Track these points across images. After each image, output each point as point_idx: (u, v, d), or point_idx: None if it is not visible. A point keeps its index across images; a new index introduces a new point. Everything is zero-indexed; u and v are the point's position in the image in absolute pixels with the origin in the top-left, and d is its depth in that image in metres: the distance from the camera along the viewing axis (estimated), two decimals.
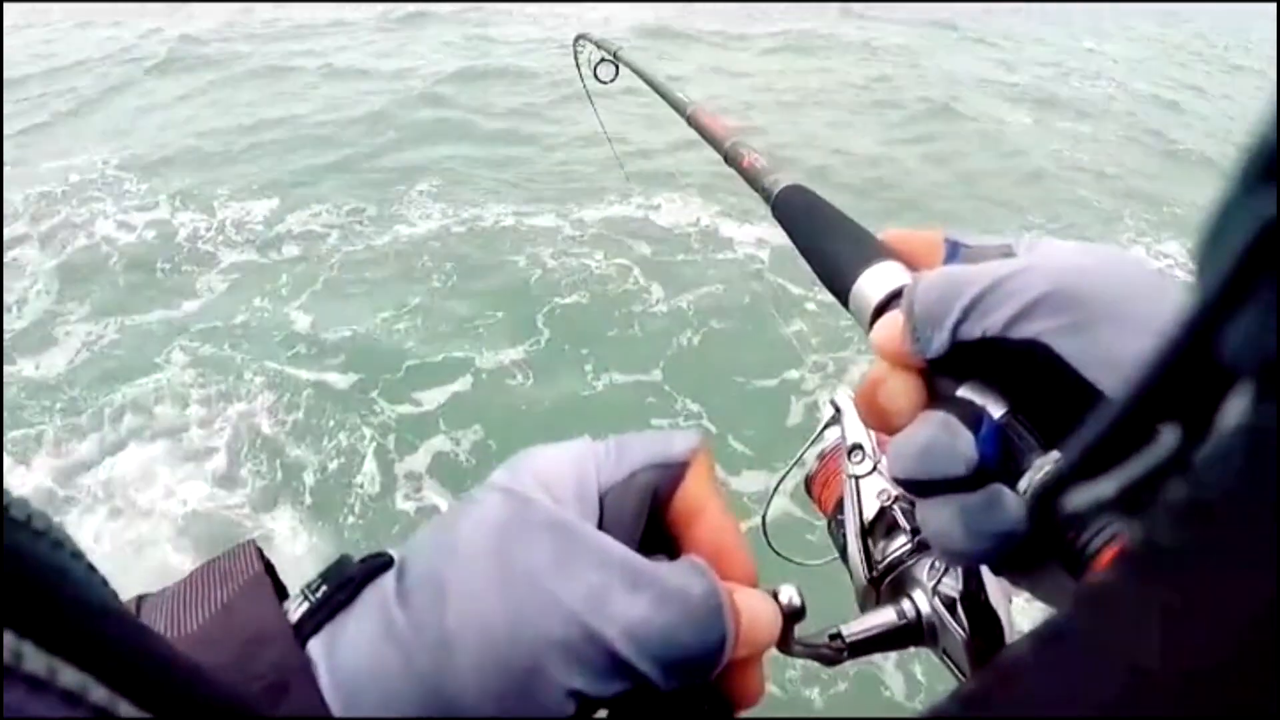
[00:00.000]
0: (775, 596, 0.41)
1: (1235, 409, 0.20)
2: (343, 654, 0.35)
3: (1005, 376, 0.40)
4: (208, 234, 6.68)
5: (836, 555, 0.58)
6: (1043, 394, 0.39)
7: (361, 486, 4.34)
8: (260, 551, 0.41)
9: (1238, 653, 0.16)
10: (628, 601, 0.34)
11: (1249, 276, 0.18)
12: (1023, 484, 0.38)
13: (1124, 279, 0.38)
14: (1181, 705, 0.16)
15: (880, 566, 0.54)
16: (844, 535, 0.57)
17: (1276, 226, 0.17)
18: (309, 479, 4.42)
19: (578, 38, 1.85)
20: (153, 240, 6.64)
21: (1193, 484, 0.19)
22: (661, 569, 0.36)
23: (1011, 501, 0.38)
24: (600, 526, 0.38)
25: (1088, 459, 0.26)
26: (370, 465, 4.49)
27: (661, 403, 4.81)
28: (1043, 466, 0.38)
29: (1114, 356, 0.36)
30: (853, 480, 0.57)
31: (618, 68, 1.58)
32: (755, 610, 0.38)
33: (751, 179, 0.67)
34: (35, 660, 0.19)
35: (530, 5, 14.82)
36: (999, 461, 0.39)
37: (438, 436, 4.65)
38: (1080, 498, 0.27)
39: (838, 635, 0.52)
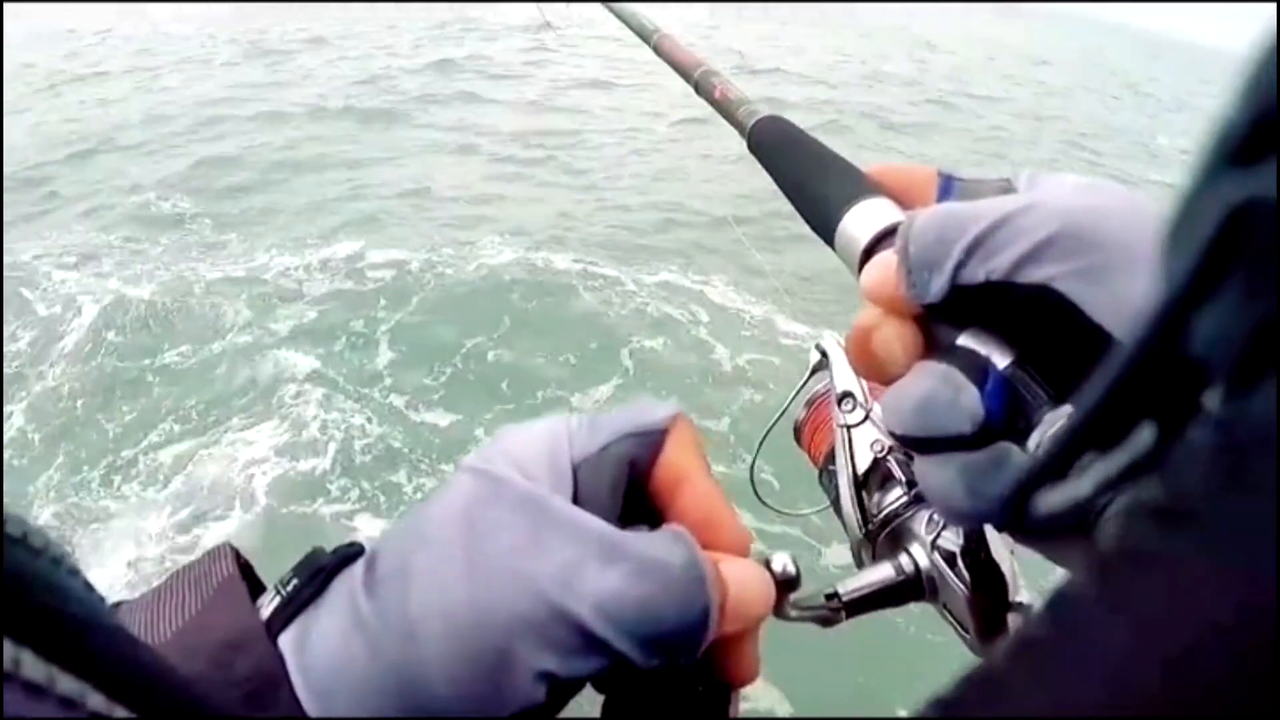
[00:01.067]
0: (768, 565, 0.39)
1: (1210, 404, 0.19)
2: (313, 648, 0.34)
3: (1010, 323, 0.37)
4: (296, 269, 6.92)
5: (828, 504, 0.55)
6: (1052, 342, 0.36)
7: None
8: (236, 553, 0.40)
9: (1216, 655, 0.16)
10: (601, 575, 0.33)
11: (1217, 266, 0.17)
12: (1032, 441, 0.35)
13: (1137, 218, 0.35)
14: (1162, 711, 0.16)
15: (876, 520, 0.51)
16: (836, 486, 0.54)
17: (1243, 210, 0.17)
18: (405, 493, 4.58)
19: None
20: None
21: (1166, 483, 0.19)
22: (640, 540, 0.34)
23: (1020, 460, 0.35)
24: (576, 500, 0.36)
25: (1060, 458, 0.25)
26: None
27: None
28: (1054, 422, 0.35)
29: (1130, 302, 0.33)
30: (844, 430, 0.53)
31: None
32: (744, 580, 0.36)
33: (724, 111, 0.63)
34: (34, 667, 0.19)
35: None
36: (1005, 417, 0.36)
37: None
38: (1054, 498, 0.27)
39: (834, 595, 0.49)
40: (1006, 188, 0.43)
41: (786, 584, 0.40)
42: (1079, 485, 0.26)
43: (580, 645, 0.32)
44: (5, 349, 5.63)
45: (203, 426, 5.08)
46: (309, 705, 0.33)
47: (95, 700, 0.21)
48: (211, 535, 4.31)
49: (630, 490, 0.38)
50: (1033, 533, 0.39)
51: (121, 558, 4.37)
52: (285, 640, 0.34)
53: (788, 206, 0.52)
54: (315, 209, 7.95)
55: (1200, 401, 0.19)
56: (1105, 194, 0.38)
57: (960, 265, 0.36)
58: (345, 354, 5.77)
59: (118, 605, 0.39)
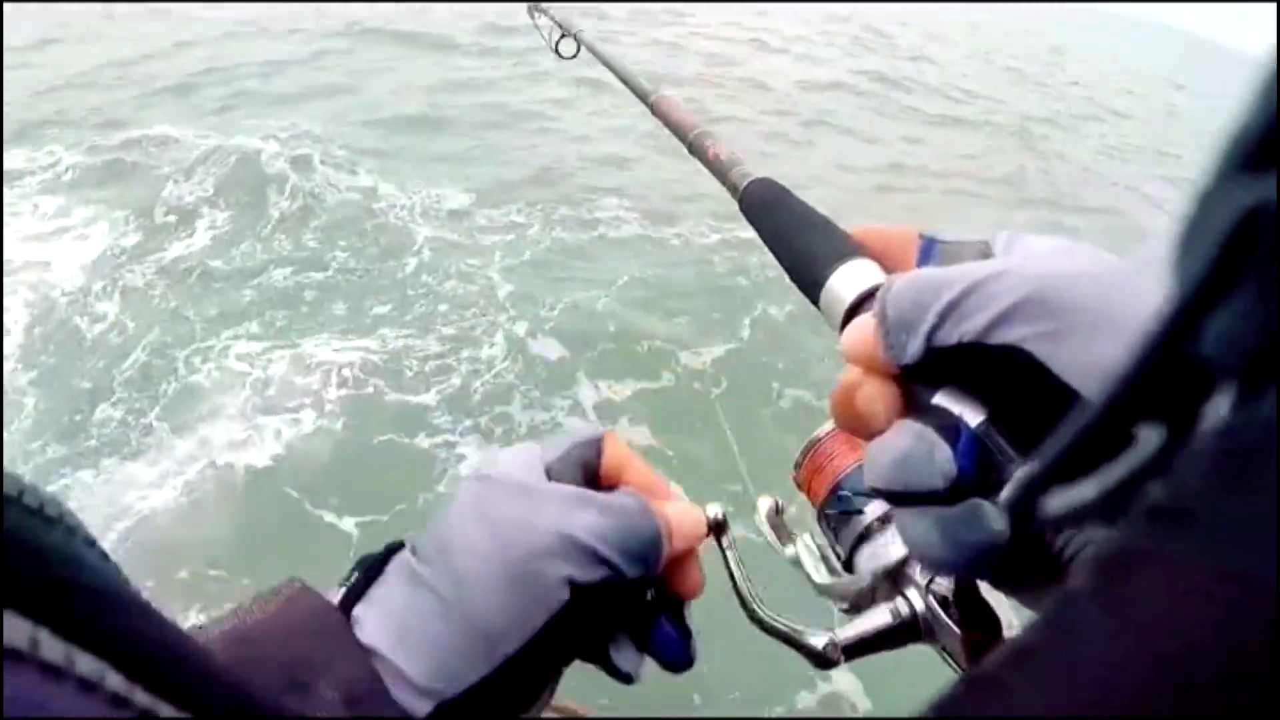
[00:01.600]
0: (705, 515, 0.54)
1: (1218, 408, 0.19)
2: (382, 606, 0.47)
3: (983, 383, 0.39)
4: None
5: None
6: (1022, 401, 0.38)
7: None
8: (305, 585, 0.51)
9: (1212, 656, 0.16)
10: (584, 514, 0.47)
11: (1229, 269, 0.17)
12: (1003, 495, 0.37)
13: (1105, 282, 0.37)
14: (1155, 711, 0.16)
15: (878, 564, 0.54)
16: (833, 529, 0.57)
17: (1255, 215, 0.16)
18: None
19: (531, 6, 1.76)
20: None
21: (1170, 486, 0.19)
22: (601, 495, 0.50)
23: (991, 514, 0.37)
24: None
25: (1066, 461, 0.25)
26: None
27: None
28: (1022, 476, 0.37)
29: (1097, 363, 0.35)
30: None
31: (579, 46, 1.54)
32: (680, 513, 0.51)
33: (717, 172, 0.66)
34: (52, 648, 0.19)
35: None
36: (977, 473, 0.38)
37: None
38: (1059, 501, 0.27)
39: (834, 640, 0.52)
40: (985, 250, 0.45)
41: (718, 526, 0.55)
42: (1084, 488, 0.26)
43: (583, 557, 0.46)
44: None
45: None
46: (386, 644, 0.45)
47: (115, 681, 0.21)
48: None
49: (586, 483, 0.52)
50: (1003, 580, 0.42)
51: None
52: (358, 610, 0.47)
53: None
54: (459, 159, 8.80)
55: (1205, 404, 0.19)
56: (1076, 258, 0.40)
57: (935, 328, 0.39)
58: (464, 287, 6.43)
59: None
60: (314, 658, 0.43)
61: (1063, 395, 0.36)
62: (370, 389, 5.45)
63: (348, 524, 4.68)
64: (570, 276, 6.71)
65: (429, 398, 5.38)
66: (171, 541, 4.65)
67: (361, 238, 7.24)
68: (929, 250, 0.47)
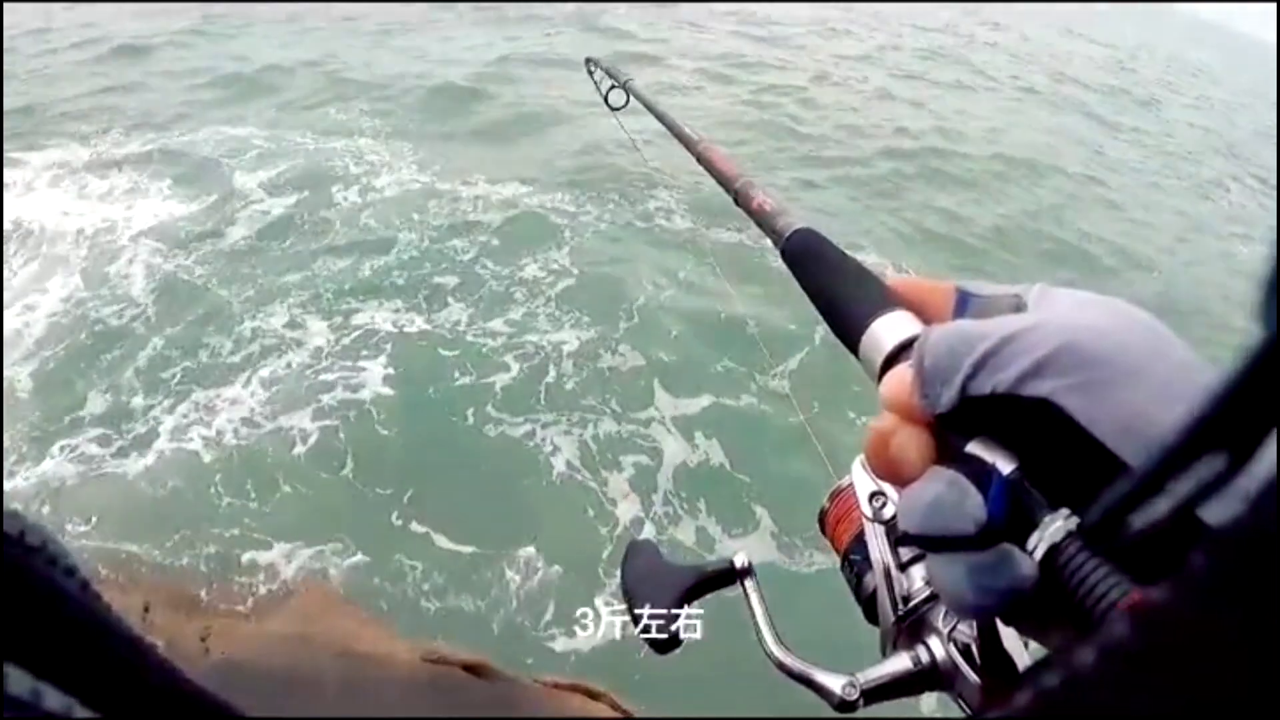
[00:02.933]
0: (731, 564, 0.59)
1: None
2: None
3: (1014, 433, 0.40)
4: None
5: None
6: (1052, 451, 0.39)
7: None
8: None
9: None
10: None
11: None
12: (1031, 541, 0.38)
13: (1134, 337, 0.39)
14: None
15: (900, 611, 0.54)
16: (855, 574, 0.58)
17: None
18: None
19: (588, 60, 1.85)
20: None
21: (1255, 513, 0.20)
22: None
23: (1020, 560, 0.38)
24: None
25: (1150, 482, 0.27)
26: None
27: None
28: (1051, 524, 0.38)
29: (1124, 416, 0.37)
30: (876, 526, 0.57)
31: (628, 97, 1.59)
32: None
33: (761, 221, 0.68)
34: (20, 683, 0.19)
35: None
36: (1007, 519, 0.39)
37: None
38: (1141, 519, 0.29)
39: (853, 683, 0.52)
40: (1018, 304, 0.46)
41: (744, 572, 0.58)
42: (1157, 506, 0.28)
43: None
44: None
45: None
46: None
47: (81, 715, 0.21)
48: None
49: None
50: (1029, 625, 0.42)
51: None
52: None
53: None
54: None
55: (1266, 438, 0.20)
56: (1107, 311, 0.41)
57: (969, 378, 0.40)
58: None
59: None
60: None
61: (1090, 447, 0.37)
62: (436, 369, 5.98)
63: (403, 498, 5.10)
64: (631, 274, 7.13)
65: (501, 379, 5.87)
66: (220, 507, 5.09)
67: (423, 226, 7.96)
68: (964, 303, 0.49)
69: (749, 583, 0.58)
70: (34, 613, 0.22)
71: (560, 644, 4.42)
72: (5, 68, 12.23)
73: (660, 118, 1.05)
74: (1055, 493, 0.39)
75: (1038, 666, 0.23)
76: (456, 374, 6.12)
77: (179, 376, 6.19)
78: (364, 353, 6.30)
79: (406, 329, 6.57)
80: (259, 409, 5.85)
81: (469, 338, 6.48)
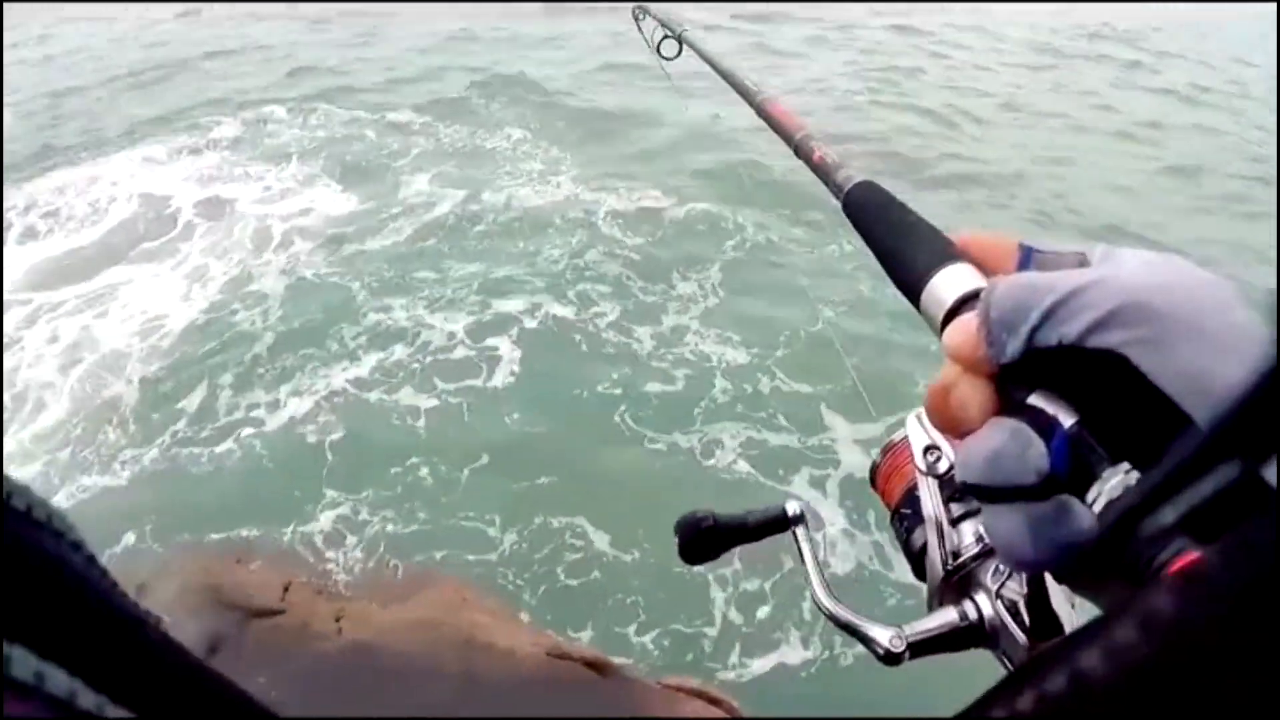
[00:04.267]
0: (784, 510, 0.61)
1: None
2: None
3: (1076, 386, 0.40)
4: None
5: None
6: (1114, 405, 0.39)
7: None
8: None
9: None
10: None
11: None
12: (1091, 494, 0.38)
13: (1199, 294, 0.38)
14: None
15: (949, 566, 0.55)
16: (905, 529, 0.58)
17: None
18: None
19: (636, 7, 1.78)
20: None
21: None
22: None
23: (1080, 512, 0.38)
24: None
25: (1163, 490, 0.27)
26: None
27: None
28: (1111, 478, 0.38)
29: (1189, 371, 0.36)
30: (929, 480, 0.57)
31: (681, 45, 1.55)
32: None
33: (822, 174, 0.67)
34: (23, 666, 0.19)
35: None
36: (1069, 472, 0.39)
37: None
38: (1149, 525, 0.30)
39: (900, 635, 0.53)
40: (1082, 261, 0.45)
41: (797, 519, 0.59)
42: (1165, 513, 0.29)
43: None
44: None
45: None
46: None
47: (87, 699, 0.21)
48: None
49: None
50: (1084, 582, 0.42)
51: None
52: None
53: None
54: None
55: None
56: (1173, 270, 0.41)
57: (1036, 329, 0.40)
58: None
59: None
60: None
61: (1154, 401, 0.37)
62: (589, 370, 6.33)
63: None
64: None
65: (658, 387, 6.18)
66: (365, 496, 5.38)
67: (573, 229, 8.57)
68: (1027, 258, 0.48)
69: (800, 531, 0.58)
70: (39, 589, 0.22)
71: (693, 648, 4.48)
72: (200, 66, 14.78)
73: (717, 68, 1.03)
74: (1115, 447, 0.39)
75: (1078, 635, 0.23)
76: (612, 376, 6.32)
77: (330, 366, 6.59)
78: (511, 350, 6.63)
79: (555, 329, 6.87)
80: (409, 401, 6.13)
81: (625, 341, 6.74)
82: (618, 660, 4.02)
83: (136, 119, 12.64)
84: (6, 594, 0.21)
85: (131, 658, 0.25)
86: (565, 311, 7.17)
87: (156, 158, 11.20)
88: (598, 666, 3.82)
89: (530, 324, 6.98)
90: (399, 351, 6.71)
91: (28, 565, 0.22)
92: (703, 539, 0.61)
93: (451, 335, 6.88)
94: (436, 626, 4.07)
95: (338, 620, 4.18)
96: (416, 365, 6.54)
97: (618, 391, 6.20)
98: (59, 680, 0.20)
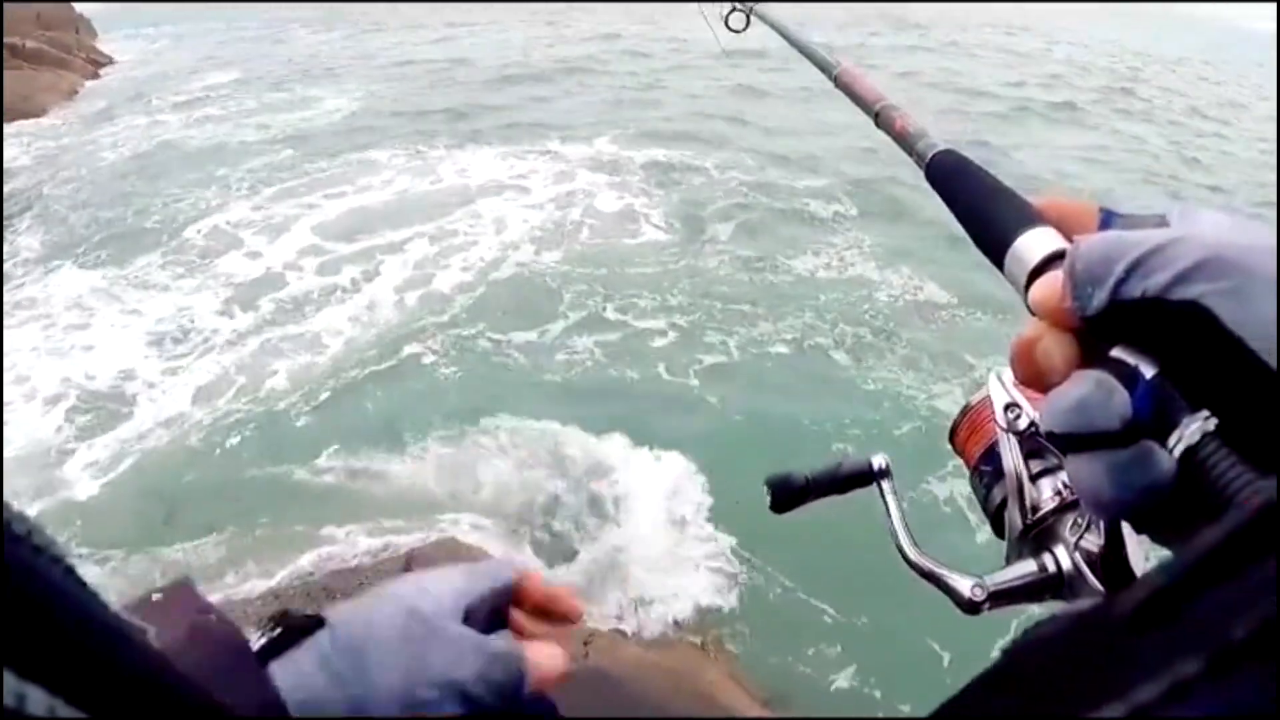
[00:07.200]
0: (869, 463, 0.64)
1: None
2: (294, 676, 0.54)
3: (1158, 339, 0.42)
4: None
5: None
6: (1194, 356, 0.40)
7: None
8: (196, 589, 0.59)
9: None
10: (473, 663, 0.58)
11: None
12: (1172, 440, 0.39)
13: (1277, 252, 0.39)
14: None
15: (1028, 521, 0.57)
16: (985, 486, 0.60)
17: None
18: None
19: None
20: None
21: None
22: (491, 642, 0.60)
23: (1161, 456, 0.39)
24: (466, 621, 0.61)
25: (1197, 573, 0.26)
26: None
27: None
28: (1190, 424, 0.39)
29: (1268, 320, 0.37)
30: (1010, 436, 0.59)
31: (749, 18, 1.54)
32: (545, 657, 0.63)
33: (903, 142, 0.68)
34: (7, 690, 0.19)
35: None
36: (1151, 419, 0.40)
37: None
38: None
39: (980, 584, 0.55)
40: (1162, 223, 0.47)
41: (882, 473, 0.62)
42: None
43: (462, 700, 0.57)
44: None
45: None
46: (294, 710, 0.52)
47: (65, 715, 0.21)
48: None
49: (493, 616, 0.64)
50: (1165, 530, 0.44)
51: None
52: (275, 667, 0.54)
53: None
54: None
55: None
56: (1251, 229, 0.42)
57: (1121, 282, 0.41)
58: None
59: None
60: (229, 683, 0.49)
61: (1235, 353, 0.38)
62: None
63: None
64: None
65: None
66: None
67: None
68: (1108, 221, 0.49)
69: (885, 484, 0.61)
70: (19, 606, 0.22)
71: None
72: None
73: (791, 40, 1.04)
74: (1195, 396, 0.40)
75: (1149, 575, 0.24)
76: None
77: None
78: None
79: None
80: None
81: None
82: None
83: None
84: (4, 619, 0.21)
85: (109, 671, 0.26)
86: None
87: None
88: None
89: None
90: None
91: (27, 591, 0.22)
92: (790, 492, 0.64)
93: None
94: (677, 676, 4.24)
95: (586, 644, 4.44)
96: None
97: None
98: (38, 700, 0.20)
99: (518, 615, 0.68)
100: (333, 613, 0.59)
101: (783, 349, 7.80)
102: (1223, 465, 0.37)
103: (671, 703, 4.00)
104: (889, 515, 0.60)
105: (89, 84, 22.37)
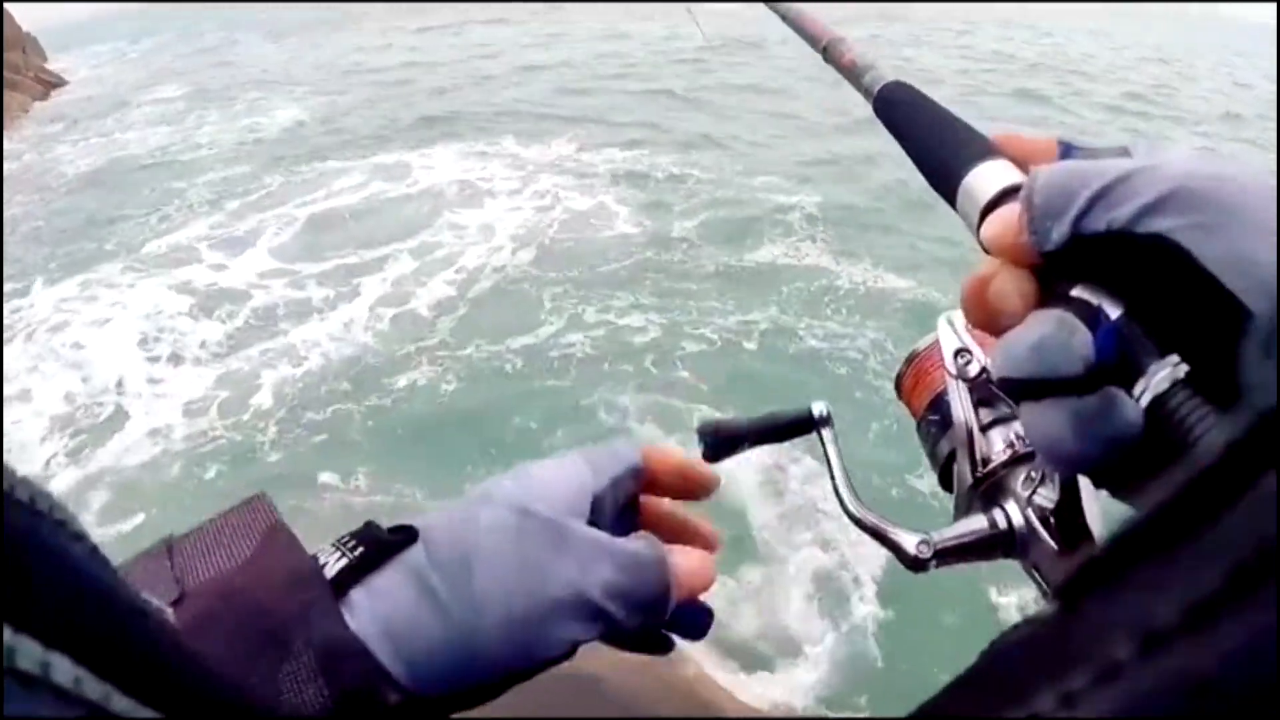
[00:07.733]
0: (810, 411, 0.58)
1: None
2: (383, 602, 0.46)
3: (1123, 277, 0.38)
4: None
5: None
6: (1162, 295, 0.37)
7: None
8: (272, 504, 0.53)
9: None
10: (603, 570, 0.49)
11: None
12: (1138, 388, 0.36)
13: (1252, 185, 0.36)
14: None
15: (978, 474, 0.53)
16: (932, 438, 0.57)
17: None
18: None
19: None
20: None
21: None
22: (626, 544, 0.51)
23: (1126, 405, 0.36)
24: (592, 519, 0.52)
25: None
26: None
27: None
28: (1158, 371, 0.36)
29: (1244, 256, 0.34)
30: (959, 384, 0.55)
31: None
32: (691, 566, 0.53)
33: (851, 76, 0.64)
34: (28, 656, 0.19)
35: None
36: (1115, 364, 0.37)
37: None
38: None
39: (926, 541, 0.51)
40: (1124, 155, 0.43)
41: (823, 420, 0.57)
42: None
43: (592, 618, 0.48)
44: None
45: None
46: (380, 648, 0.45)
47: (93, 689, 0.20)
48: None
49: (624, 512, 0.57)
50: (1127, 485, 0.40)
51: None
52: (357, 594, 0.46)
53: None
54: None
55: None
56: (1222, 162, 0.39)
57: (1083, 214, 0.38)
58: None
59: (168, 543, 0.50)
60: (295, 618, 0.44)
61: (1204, 288, 0.35)
62: None
63: None
64: None
65: None
66: None
67: None
68: (1067, 154, 0.46)
69: (826, 432, 0.57)
70: (39, 580, 0.22)
71: None
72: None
73: None
74: (1164, 339, 0.37)
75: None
76: None
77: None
78: None
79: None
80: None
81: None
82: None
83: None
84: (7, 586, 0.20)
85: (134, 648, 0.25)
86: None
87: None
88: None
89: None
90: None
91: (31, 558, 0.22)
92: (724, 439, 0.60)
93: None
94: (661, 676, 4.10)
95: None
96: None
97: None
98: (64, 669, 0.19)
99: (651, 504, 0.59)
100: (425, 521, 0.50)
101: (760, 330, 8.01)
102: (1194, 416, 0.34)
103: (655, 696, 3.94)
104: (829, 466, 0.56)
105: (37, 104, 22.09)
